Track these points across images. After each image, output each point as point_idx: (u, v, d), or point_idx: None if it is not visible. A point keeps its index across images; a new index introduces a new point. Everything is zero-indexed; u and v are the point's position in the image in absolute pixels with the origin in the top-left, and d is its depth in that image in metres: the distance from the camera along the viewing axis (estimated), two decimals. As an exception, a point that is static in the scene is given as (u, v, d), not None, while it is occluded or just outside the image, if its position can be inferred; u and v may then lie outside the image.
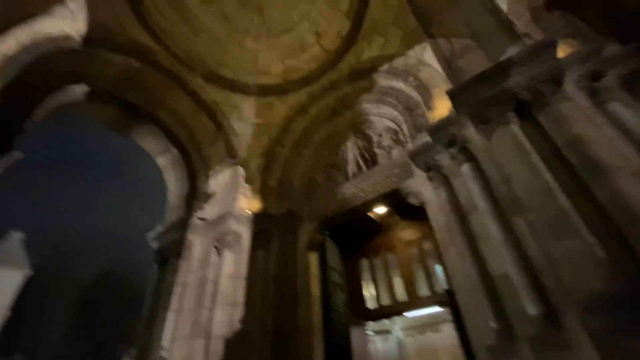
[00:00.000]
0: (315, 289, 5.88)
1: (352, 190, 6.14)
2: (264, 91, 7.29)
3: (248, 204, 6.59)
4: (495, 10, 4.21)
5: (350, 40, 6.42)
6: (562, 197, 2.90)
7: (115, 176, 37.35)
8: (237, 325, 5.25)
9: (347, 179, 6.47)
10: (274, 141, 7.17)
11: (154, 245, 6.58)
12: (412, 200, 5.16)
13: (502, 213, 3.53)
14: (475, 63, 3.93)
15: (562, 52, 3.71)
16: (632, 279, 2.39)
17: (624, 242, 2.54)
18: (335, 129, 7.17)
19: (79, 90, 5.89)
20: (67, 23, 5.16)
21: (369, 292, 7.72)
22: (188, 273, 5.87)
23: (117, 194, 37.33)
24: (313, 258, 6.14)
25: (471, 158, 4.08)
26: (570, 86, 3.59)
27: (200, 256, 6.08)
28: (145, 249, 6.73)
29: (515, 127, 3.38)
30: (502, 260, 3.41)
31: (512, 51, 3.65)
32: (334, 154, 7.09)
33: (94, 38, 5.46)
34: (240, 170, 6.89)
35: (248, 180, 6.87)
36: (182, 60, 6.63)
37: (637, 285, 2.37)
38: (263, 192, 6.78)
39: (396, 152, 5.88)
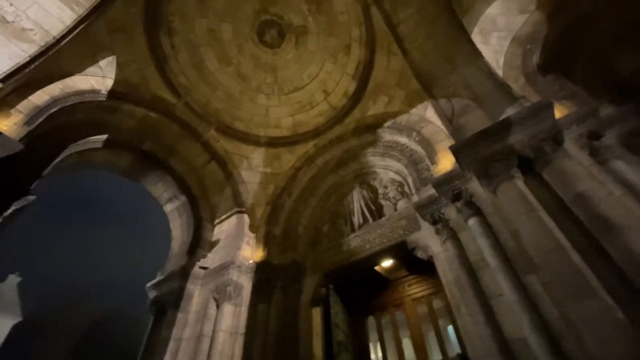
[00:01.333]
0: (318, 349, 5.48)
1: (358, 242, 6.04)
2: (273, 143, 7.61)
3: (251, 253, 6.48)
4: (492, 75, 4.54)
5: (356, 99, 6.86)
6: (575, 255, 2.83)
7: (121, 224, 37.45)
8: (232, 389, 4.82)
9: (352, 230, 6.41)
10: (281, 189, 7.28)
11: (152, 294, 6.35)
12: (420, 254, 5.03)
13: (513, 271, 3.41)
14: (477, 121, 4.13)
15: (558, 113, 3.89)
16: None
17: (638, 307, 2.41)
18: (341, 179, 7.30)
19: (99, 139, 6.23)
20: (97, 80, 5.65)
21: (376, 354, 7.12)
22: (184, 327, 5.58)
23: (123, 242, 37.04)
24: (316, 314, 5.83)
25: (478, 212, 4.07)
26: (571, 145, 3.70)
27: (198, 308, 5.82)
28: (145, 299, 6.49)
29: (520, 182, 3.43)
30: (518, 322, 3.20)
31: (510, 111, 3.85)
32: (339, 204, 7.12)
33: (119, 92, 5.93)
34: (246, 218, 6.90)
35: (253, 228, 6.85)
36: (199, 113, 7.07)
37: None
38: (267, 240, 6.70)
39: (402, 203, 5.89)
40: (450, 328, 6.79)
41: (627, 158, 3.59)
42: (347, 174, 7.31)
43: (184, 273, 6.16)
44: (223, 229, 7.05)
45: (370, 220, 6.18)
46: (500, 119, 3.80)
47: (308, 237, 7.06)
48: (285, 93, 7.58)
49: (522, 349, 3.14)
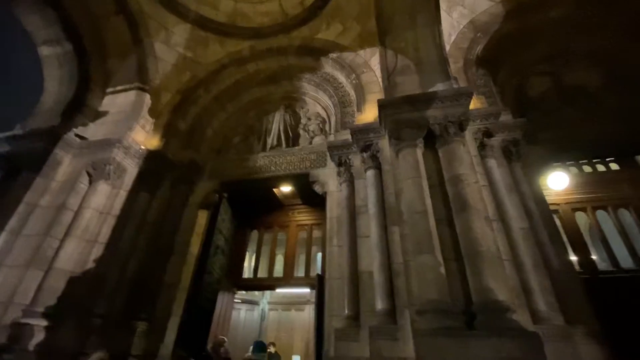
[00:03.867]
0: (195, 247, 5.64)
1: (265, 161, 6.04)
2: (203, 24, 6.45)
3: (145, 139, 5.82)
4: (441, 47, 4.65)
5: (311, 14, 6.20)
6: (432, 220, 3.43)
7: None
8: (92, 265, 4.64)
9: (263, 149, 6.33)
10: (198, 82, 6.47)
11: (2, 147, 5.23)
12: (317, 188, 5.38)
13: (384, 220, 3.99)
14: (410, 85, 4.29)
15: (473, 104, 4.35)
16: (458, 297, 3.01)
17: (462, 268, 3.17)
18: (267, 96, 6.90)
19: None
20: None
21: (249, 262, 7.79)
22: (43, 194, 4.88)
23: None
24: (202, 216, 5.86)
25: (377, 166, 4.47)
26: (469, 134, 4.24)
27: (65, 178, 5.11)
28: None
29: (419, 151, 3.83)
30: (372, 259, 3.87)
31: (440, 87, 4.10)
32: (258, 119, 6.83)
33: None
34: (148, 99, 6.01)
35: (154, 113, 6.06)
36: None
37: (460, 303, 2.99)
38: (168, 131, 6.08)
39: (318, 139, 6.02)
40: (319, 255, 7.83)
41: (499, 160, 4.35)
42: (275, 92, 6.92)
43: (53, 135, 5.18)
44: (116, 102, 6.02)
45: (284, 146, 6.18)
46: (429, 90, 4.04)
47: (215, 142, 6.69)
48: (236, -30, 6.31)
49: (367, 279, 3.86)
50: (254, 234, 7.81)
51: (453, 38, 5.36)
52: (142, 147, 5.65)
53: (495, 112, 4.49)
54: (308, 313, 9.65)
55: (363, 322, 3.67)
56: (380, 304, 3.55)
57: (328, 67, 6.14)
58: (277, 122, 6.47)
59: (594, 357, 2.97)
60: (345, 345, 3.60)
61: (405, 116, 4.07)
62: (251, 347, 7.06)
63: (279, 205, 7.58)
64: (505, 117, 4.67)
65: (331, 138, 5.52)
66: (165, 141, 5.95)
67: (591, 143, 4.99)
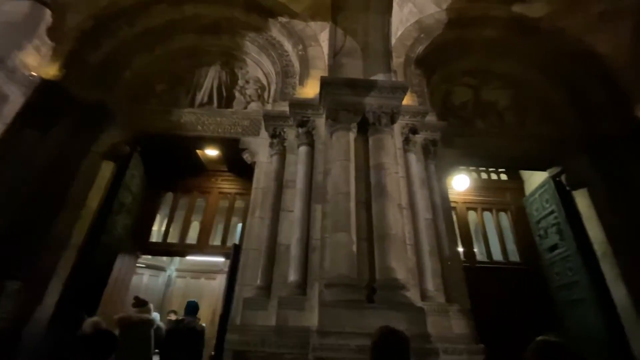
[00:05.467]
0: (94, 202, 4.93)
1: (192, 119, 5.51)
2: (135, -58, 5.41)
3: (39, 64, 4.74)
4: (387, 38, 4.78)
5: (266, -34, 5.71)
6: (353, 202, 3.61)
7: None
8: (-58, 209, 3.69)
9: (191, 105, 5.75)
10: (120, 11, 5.46)
11: None
12: (247, 157, 5.16)
13: (309, 198, 4.06)
14: (354, 68, 4.34)
15: (406, 100, 4.62)
16: (364, 273, 3.26)
17: (372, 248, 3.43)
18: (205, 46, 6.21)
19: None
20: None
21: (159, 226, 7.19)
22: None
23: None
24: (107, 167, 5.12)
25: (311, 144, 4.47)
26: (397, 127, 4.53)
27: None
28: None
29: (352, 135, 3.95)
30: (291, 233, 3.92)
31: (380, 77, 4.24)
32: (190, 71, 6.13)
33: None
34: (48, 16, 4.85)
35: (55, 35, 4.92)
36: None
37: (365, 279, 3.25)
38: (72, 62, 5.04)
39: (254, 105, 5.71)
40: (239, 226, 7.66)
41: (418, 155, 4.77)
42: (214, 45, 6.27)
43: None
44: (3, 10, 4.70)
45: (215, 105, 5.71)
46: (371, 78, 4.14)
47: (134, 86, 5.81)
48: None
49: (284, 251, 3.91)
50: (169, 196, 7.21)
51: (400, 33, 5.55)
52: (34, 73, 4.59)
53: (423, 111, 4.86)
54: (219, 282, 9.46)
55: (274, 293, 3.73)
56: (292, 276, 3.65)
57: (275, 31, 5.79)
58: (211, 77, 5.91)
59: (461, 328, 3.58)
60: (253, 314, 3.63)
61: (344, 99, 4.12)
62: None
63: (201, 169, 7.09)
64: (431, 118, 5.10)
65: (269, 107, 5.30)
66: (66, 73, 4.93)
67: (491, 154, 5.81)
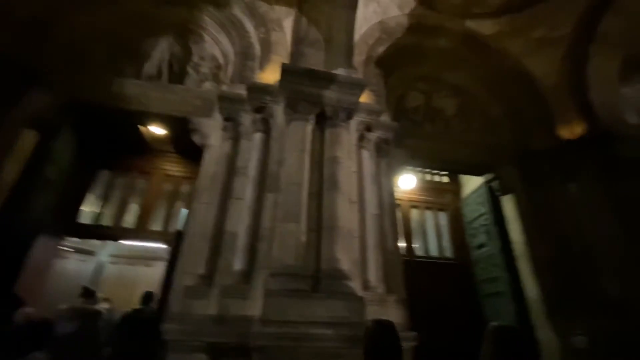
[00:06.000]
0: (10, 175, 4.29)
1: (136, 91, 5.03)
2: None
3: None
4: (351, 34, 4.84)
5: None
6: (305, 193, 3.63)
7: None
8: None
9: (137, 76, 5.25)
10: (56, -42, 4.75)
11: None
12: (196, 139, 4.88)
13: (261, 186, 3.97)
14: (315, 59, 4.32)
15: (363, 97, 4.74)
16: (311, 264, 3.30)
17: (320, 239, 3.48)
18: (157, 15, 5.67)
19: None
20: None
21: (90, 206, 6.51)
22: None
23: None
24: (30, 137, 4.48)
25: (267, 131, 4.37)
26: (353, 123, 4.62)
27: None
28: None
29: (309, 127, 3.95)
30: (239, 221, 3.81)
31: (341, 71, 4.27)
32: (139, 40, 5.56)
33: None
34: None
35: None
36: None
37: (311, 269, 3.29)
38: (-10, 9, 4.28)
39: (208, 85, 5.39)
40: (183, 211, 7.24)
41: (371, 152, 4.91)
42: (168, 15, 5.75)
43: None
44: None
45: (165, 79, 5.29)
46: (332, 71, 4.15)
47: (69, 48, 5.10)
48: None
49: (230, 240, 3.79)
50: (104, 175, 6.57)
51: (363, 30, 5.63)
52: None
53: (379, 110, 5.02)
54: (157, 270, 8.90)
55: (217, 282, 3.61)
56: (238, 265, 3.56)
57: (237, 9, 5.50)
58: (162, 49, 5.44)
59: (397, 317, 3.80)
60: (193, 303, 3.47)
61: (304, 89, 4.09)
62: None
63: (145, 148, 6.56)
64: (385, 118, 5.29)
65: (224, 88, 5.04)
66: (-19, 21, 4.18)
67: (436, 157, 6.23)
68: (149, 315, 4.38)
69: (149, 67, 5.32)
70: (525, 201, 5.76)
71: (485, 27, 6.41)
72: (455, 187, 7.91)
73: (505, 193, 6.01)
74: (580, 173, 5.43)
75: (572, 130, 5.77)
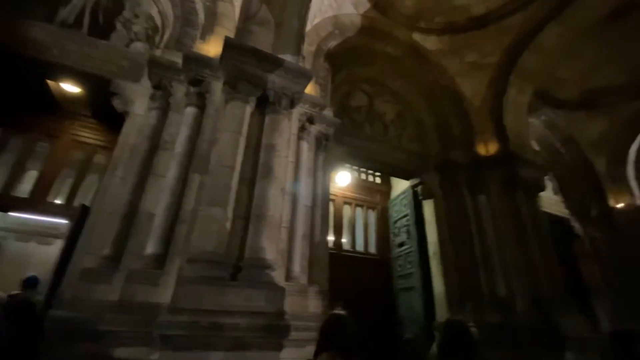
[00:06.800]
0: None
1: (48, 38, 4.23)
2: None
3: None
4: (303, 22, 4.73)
5: None
6: (237, 178, 3.45)
7: None
8: None
9: (50, 20, 4.42)
10: None
11: None
12: (118, 104, 4.32)
13: (187, 165, 3.67)
14: (263, 40, 4.12)
15: (309, 89, 4.70)
16: (234, 251, 3.16)
17: (247, 227, 3.34)
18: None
19: None
20: None
21: (-29, 167, 5.32)
22: None
23: None
24: None
25: (201, 107, 4.05)
26: (296, 113, 4.56)
27: None
28: None
29: (248, 108, 3.76)
30: (157, 200, 3.47)
31: (288, 57, 4.15)
32: (54, -23, 4.68)
33: None
34: None
35: None
36: None
37: (233, 257, 3.15)
38: None
39: (139, 45, 4.78)
40: (94, 185, 6.39)
41: (311, 145, 4.91)
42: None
43: None
44: None
45: (85, 31, 4.54)
46: (278, 55, 4.01)
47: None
48: None
49: (145, 220, 3.44)
50: (-6, 132, 5.44)
51: (316, 21, 5.57)
52: None
53: (322, 104, 5.03)
54: (57, 248, 7.76)
55: (124, 265, 3.25)
56: (151, 248, 3.25)
57: (183, -31, 4.98)
58: (86, -4, 4.67)
59: (317, 307, 3.89)
60: (91, 287, 3.09)
61: (248, 68, 3.87)
62: None
63: (52, 106, 5.58)
64: (328, 113, 5.32)
65: (157, 53, 4.53)
66: None
67: (372, 158, 6.53)
68: (23, 302, 3.76)
69: (66, 13, 4.52)
70: (441, 206, 6.36)
71: (429, 43, 6.86)
72: (386, 188, 8.40)
73: (426, 198, 6.57)
74: (489, 186, 6.19)
75: (487, 149, 6.53)
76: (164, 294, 3.03)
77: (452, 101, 7.02)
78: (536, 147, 8.28)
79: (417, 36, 6.80)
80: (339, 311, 2.30)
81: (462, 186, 6.37)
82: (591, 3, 5.96)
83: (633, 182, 8.62)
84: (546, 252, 5.64)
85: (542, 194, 6.53)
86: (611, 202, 8.47)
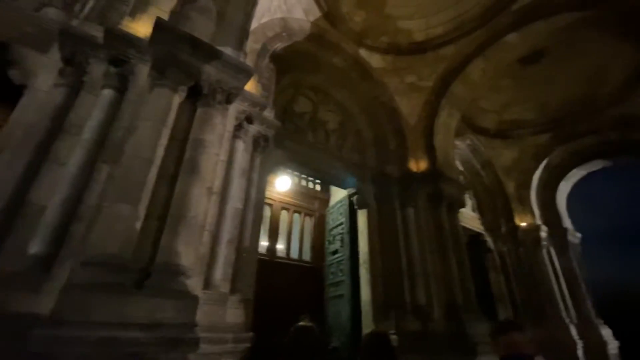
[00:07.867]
0: None
1: None
2: None
3: None
4: (249, 17, 4.56)
5: None
6: (155, 173, 3.11)
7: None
8: None
9: None
10: None
11: None
12: (14, 75, 3.62)
13: (97, 154, 3.21)
14: (201, 28, 3.88)
15: (250, 87, 4.52)
16: (143, 255, 2.80)
17: (162, 228, 3.01)
18: None
19: None
20: None
21: None
22: None
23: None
24: None
25: (122, 90, 3.59)
26: (233, 110, 4.33)
27: None
28: None
29: (177, 99, 3.46)
30: (55, 193, 2.95)
31: (228, 51, 3.94)
32: None
33: None
34: None
35: None
36: None
37: (142, 261, 2.79)
38: None
39: (52, 12, 4.02)
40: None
41: (247, 145, 4.71)
42: None
43: None
44: None
45: (-22, -18, 3.76)
46: (217, 47, 3.77)
47: None
48: None
49: (35, 214, 2.87)
50: None
51: (264, 20, 5.43)
52: None
53: (263, 104, 4.87)
54: None
55: (-2, 267, 2.67)
56: (36, 247, 2.72)
57: None
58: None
59: (236, 317, 3.65)
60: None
61: (181, 55, 3.56)
62: None
63: None
64: (269, 114, 5.17)
65: (75, 23, 3.94)
66: None
67: (312, 165, 6.51)
68: None
69: (-48, -45, 3.69)
70: (374, 217, 6.60)
71: (373, 60, 7.17)
72: (325, 195, 8.47)
73: (361, 207, 6.75)
74: (417, 200, 6.60)
75: (418, 165, 6.98)
76: (49, 303, 2.55)
77: (390, 117, 7.39)
78: (460, 167, 9.12)
79: (363, 52, 7.06)
80: (306, 323, 2.28)
81: (394, 198, 6.69)
82: (508, 47, 6.81)
83: (534, 205, 9.98)
84: (461, 263, 6.16)
85: (462, 210, 7.16)
86: (517, 221, 9.68)
